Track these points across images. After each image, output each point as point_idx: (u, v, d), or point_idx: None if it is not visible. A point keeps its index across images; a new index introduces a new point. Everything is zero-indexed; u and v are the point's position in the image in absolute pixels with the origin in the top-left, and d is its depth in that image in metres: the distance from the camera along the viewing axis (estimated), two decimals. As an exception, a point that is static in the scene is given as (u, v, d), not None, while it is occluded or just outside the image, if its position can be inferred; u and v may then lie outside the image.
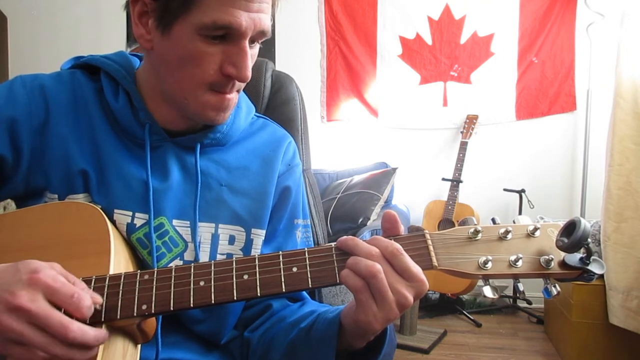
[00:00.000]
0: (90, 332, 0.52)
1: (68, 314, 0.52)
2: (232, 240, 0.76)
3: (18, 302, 0.50)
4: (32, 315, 0.50)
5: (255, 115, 0.87)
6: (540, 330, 2.69)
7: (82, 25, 3.52)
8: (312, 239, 0.89)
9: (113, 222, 0.69)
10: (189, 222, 0.74)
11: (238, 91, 0.72)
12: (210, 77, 0.67)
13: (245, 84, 0.72)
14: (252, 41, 0.69)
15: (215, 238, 0.75)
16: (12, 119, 0.70)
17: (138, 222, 0.71)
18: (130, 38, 3.47)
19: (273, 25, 0.75)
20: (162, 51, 0.68)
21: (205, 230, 0.75)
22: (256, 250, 0.78)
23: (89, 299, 0.54)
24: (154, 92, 0.74)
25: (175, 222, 0.73)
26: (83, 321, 0.53)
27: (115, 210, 0.70)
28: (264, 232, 0.79)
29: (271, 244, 0.81)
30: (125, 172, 0.72)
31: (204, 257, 0.74)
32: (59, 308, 0.52)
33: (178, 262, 0.72)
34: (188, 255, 0.73)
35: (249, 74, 0.67)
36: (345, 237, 0.59)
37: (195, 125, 0.78)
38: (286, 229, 0.83)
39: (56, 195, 0.71)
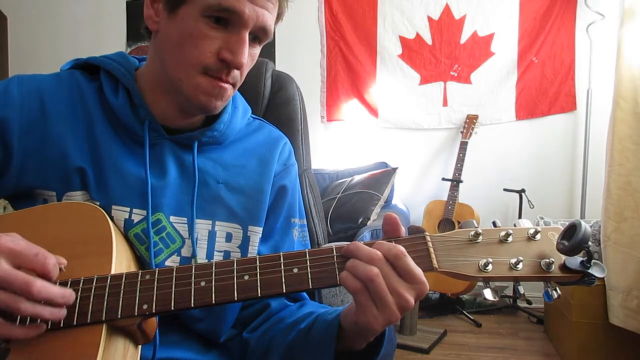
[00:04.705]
0: (53, 288, 0.54)
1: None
2: (229, 237, 0.77)
3: None
4: None
5: (251, 116, 0.88)
6: (540, 330, 2.69)
7: (82, 25, 3.52)
8: (308, 239, 0.90)
9: (111, 218, 0.69)
10: (186, 219, 0.74)
11: (233, 85, 0.73)
12: (207, 59, 0.68)
13: (240, 77, 0.72)
14: (253, 38, 0.71)
15: (212, 235, 0.76)
16: (2, 118, 0.70)
17: (136, 218, 0.71)
18: (130, 38, 3.48)
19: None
20: (166, 32, 0.71)
21: (202, 227, 0.75)
22: (253, 248, 0.78)
23: (52, 256, 0.56)
24: (154, 82, 0.75)
25: (172, 218, 0.73)
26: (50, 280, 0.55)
27: (114, 206, 0.71)
28: (260, 229, 0.80)
29: (268, 242, 0.82)
30: (123, 169, 0.72)
31: (201, 254, 0.74)
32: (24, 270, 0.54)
33: (175, 257, 0.73)
34: (185, 252, 0.73)
35: (244, 61, 0.68)
36: (348, 243, 0.59)
37: (194, 123, 0.79)
38: (283, 227, 0.84)
39: (54, 193, 0.71)
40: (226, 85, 0.71)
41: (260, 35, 0.71)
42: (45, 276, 0.55)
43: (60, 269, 0.57)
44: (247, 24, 0.67)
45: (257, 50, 0.74)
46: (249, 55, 0.71)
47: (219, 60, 0.68)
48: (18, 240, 0.55)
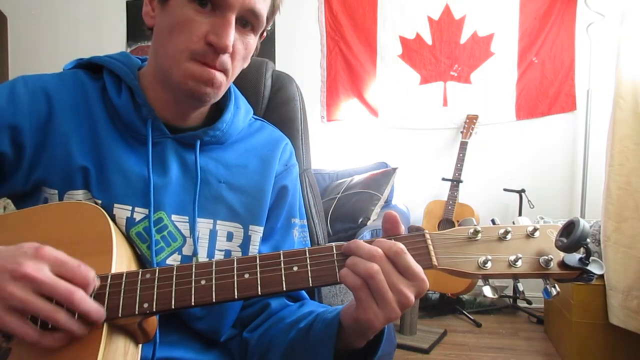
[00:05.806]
0: (92, 302, 0.55)
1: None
2: (230, 236, 0.77)
3: (24, 270, 0.51)
4: (39, 284, 0.52)
5: (253, 117, 0.89)
6: (540, 330, 2.69)
7: (82, 25, 3.53)
8: (309, 239, 0.90)
9: (113, 217, 0.70)
10: (187, 218, 0.74)
11: (224, 72, 0.72)
12: (194, 44, 0.68)
13: (232, 65, 0.72)
14: (244, 24, 0.71)
15: (213, 234, 0.76)
16: (14, 118, 0.70)
17: (137, 217, 0.71)
18: (130, 38, 3.48)
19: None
20: (159, 24, 0.72)
21: (203, 226, 0.76)
22: (254, 247, 0.79)
23: (92, 270, 0.56)
24: (154, 79, 0.76)
25: (174, 217, 0.74)
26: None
27: (115, 205, 0.71)
28: (261, 229, 0.80)
29: (269, 242, 0.82)
30: (125, 168, 0.73)
31: (202, 253, 0.74)
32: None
33: (176, 256, 0.73)
34: (186, 250, 0.73)
35: (229, 43, 0.68)
36: (348, 242, 0.59)
37: (196, 122, 0.80)
38: (283, 227, 0.84)
39: (56, 191, 0.71)
40: (214, 72, 0.70)
41: (251, 20, 0.71)
42: (85, 289, 0.55)
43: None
44: (231, 5, 0.67)
45: (252, 39, 0.74)
46: (242, 44, 0.71)
47: (207, 45, 0.68)
48: (59, 251, 0.56)
